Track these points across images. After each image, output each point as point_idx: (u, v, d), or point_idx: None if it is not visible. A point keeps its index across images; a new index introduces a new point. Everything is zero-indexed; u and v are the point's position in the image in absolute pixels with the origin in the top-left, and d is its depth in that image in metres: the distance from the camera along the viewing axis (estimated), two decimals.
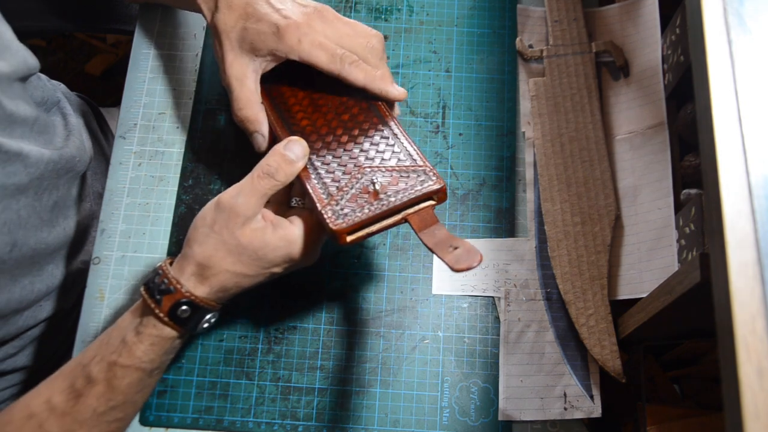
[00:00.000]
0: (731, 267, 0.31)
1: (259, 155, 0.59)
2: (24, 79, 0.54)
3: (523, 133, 0.61)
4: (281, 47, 0.48)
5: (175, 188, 0.60)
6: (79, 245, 0.63)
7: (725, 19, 0.36)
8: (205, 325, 0.47)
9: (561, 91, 0.60)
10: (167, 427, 0.53)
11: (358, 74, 0.48)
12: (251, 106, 0.49)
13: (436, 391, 0.54)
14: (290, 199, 0.49)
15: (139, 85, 0.63)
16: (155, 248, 0.58)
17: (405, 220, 0.44)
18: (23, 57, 0.53)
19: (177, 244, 0.58)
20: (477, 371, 0.55)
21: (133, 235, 0.58)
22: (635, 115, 0.59)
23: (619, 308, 0.54)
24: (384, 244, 0.58)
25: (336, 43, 0.48)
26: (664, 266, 0.52)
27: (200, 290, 0.44)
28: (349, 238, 0.43)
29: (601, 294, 0.54)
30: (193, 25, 0.65)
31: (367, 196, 0.44)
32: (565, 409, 0.53)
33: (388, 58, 0.63)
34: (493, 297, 0.56)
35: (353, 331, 0.56)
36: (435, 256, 0.58)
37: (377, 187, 0.44)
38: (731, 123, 0.34)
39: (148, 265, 0.57)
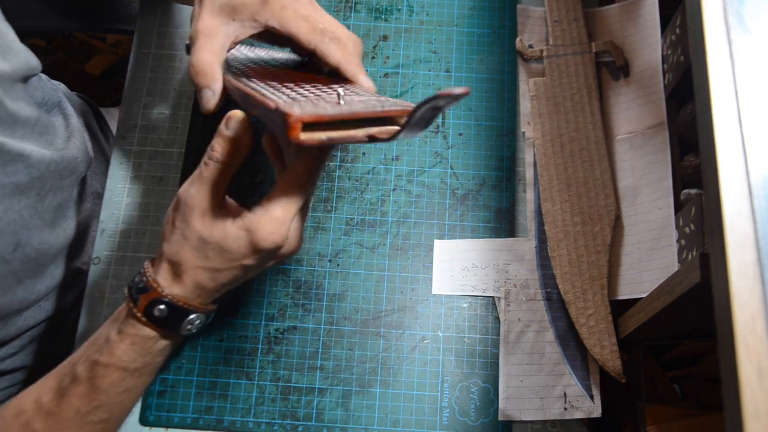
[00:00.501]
0: (731, 267, 0.31)
1: (257, 154, 0.59)
2: (25, 79, 0.54)
3: (523, 133, 0.61)
4: (263, 12, 0.45)
5: (175, 188, 0.60)
6: (79, 245, 0.63)
7: (725, 19, 0.36)
8: (189, 327, 0.45)
9: (561, 91, 0.60)
10: (167, 427, 0.53)
11: (336, 51, 0.46)
12: (211, 61, 0.46)
13: (436, 391, 0.54)
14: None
15: (139, 85, 0.63)
16: (155, 248, 0.58)
17: (368, 138, 0.39)
18: (25, 57, 0.52)
19: None
20: (477, 371, 0.55)
21: (133, 235, 0.58)
22: (635, 115, 0.59)
23: (619, 308, 0.54)
24: (384, 244, 0.58)
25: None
26: (664, 266, 0.52)
27: (176, 289, 0.43)
28: (303, 136, 0.36)
29: (601, 294, 0.54)
30: None
31: (330, 100, 0.39)
32: (565, 409, 0.53)
33: (387, 58, 0.63)
34: (493, 297, 0.56)
35: (353, 331, 0.56)
36: (434, 256, 0.58)
37: (341, 93, 0.40)
38: (731, 123, 0.34)
39: None
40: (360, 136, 0.39)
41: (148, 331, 0.44)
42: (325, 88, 0.43)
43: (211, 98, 0.46)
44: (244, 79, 0.45)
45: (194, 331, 0.45)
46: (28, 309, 0.57)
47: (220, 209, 0.43)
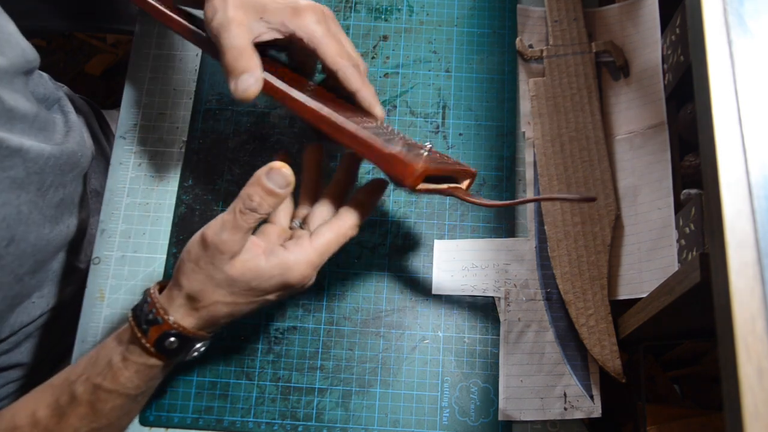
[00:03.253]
0: (731, 267, 0.31)
1: (257, 154, 0.59)
2: (25, 74, 0.54)
3: (523, 133, 0.61)
4: (295, 21, 0.44)
5: (175, 188, 0.60)
6: (77, 243, 0.63)
7: (725, 19, 0.36)
8: (195, 353, 0.45)
9: (561, 91, 0.60)
10: (167, 427, 0.53)
11: (357, 78, 0.46)
12: (248, 47, 0.43)
13: (436, 391, 0.54)
14: (292, 220, 0.47)
15: (139, 85, 0.63)
16: (155, 248, 0.58)
17: (449, 191, 0.43)
18: (21, 50, 0.52)
19: (177, 244, 0.58)
20: (477, 371, 0.55)
21: (133, 235, 0.58)
22: (635, 115, 0.59)
23: (619, 308, 0.54)
24: (384, 244, 0.58)
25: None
26: (664, 266, 0.52)
27: (188, 321, 0.43)
28: (421, 185, 0.40)
29: (601, 294, 0.54)
30: None
31: (423, 151, 0.41)
32: (565, 409, 0.53)
33: (387, 58, 0.63)
34: (493, 297, 0.56)
35: (353, 331, 0.56)
36: (434, 256, 0.58)
37: (429, 146, 0.42)
38: (731, 123, 0.34)
39: (148, 265, 0.57)
40: (445, 189, 0.43)
41: (155, 361, 0.43)
42: (404, 138, 0.45)
43: (252, 84, 0.43)
44: (296, 91, 0.44)
45: (197, 355, 0.45)
46: (21, 304, 0.57)
47: (248, 249, 0.42)
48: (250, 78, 0.43)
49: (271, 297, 0.44)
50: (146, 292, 0.44)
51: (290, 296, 0.46)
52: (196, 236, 0.42)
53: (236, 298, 0.43)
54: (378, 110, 0.47)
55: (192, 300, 0.42)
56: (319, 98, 0.44)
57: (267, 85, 0.44)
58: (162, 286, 0.45)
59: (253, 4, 0.44)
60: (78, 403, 0.43)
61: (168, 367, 0.45)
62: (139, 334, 0.42)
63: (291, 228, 0.47)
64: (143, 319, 0.42)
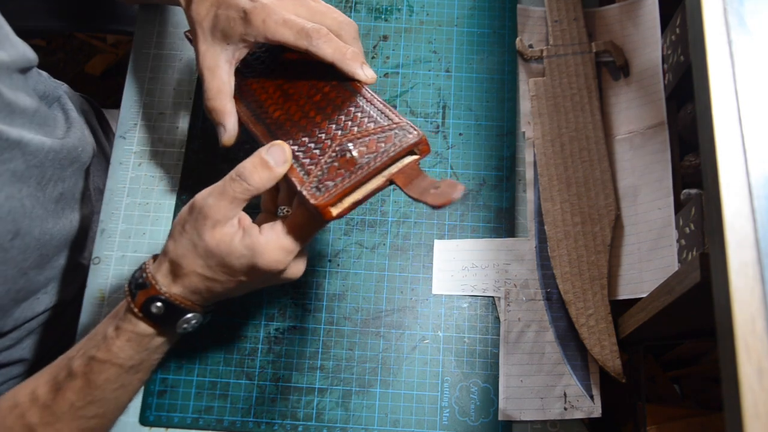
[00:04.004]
0: (731, 267, 0.31)
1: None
2: (24, 71, 0.54)
3: (523, 133, 0.61)
4: (249, 30, 0.46)
5: (175, 188, 0.60)
6: (80, 240, 0.63)
7: (725, 19, 0.36)
8: (185, 326, 0.45)
9: (561, 91, 0.60)
10: (167, 427, 0.53)
11: (327, 48, 0.45)
12: (221, 97, 0.48)
13: (436, 391, 0.54)
14: (277, 207, 0.47)
15: (139, 85, 0.63)
16: (155, 248, 0.58)
17: (390, 180, 0.42)
18: (22, 49, 0.53)
19: None
20: (477, 371, 0.55)
21: (133, 235, 0.58)
22: (635, 115, 0.59)
23: (619, 308, 0.54)
24: (384, 244, 0.58)
25: (308, 19, 0.47)
26: (664, 266, 0.52)
27: (175, 288, 0.43)
28: (335, 211, 0.40)
29: (601, 294, 0.54)
30: None
31: (345, 164, 0.42)
32: (565, 409, 0.53)
33: (387, 58, 0.63)
34: (493, 297, 0.56)
35: (353, 331, 0.56)
36: (434, 256, 0.58)
37: (354, 153, 0.42)
38: (731, 123, 0.34)
39: None
40: (382, 183, 0.42)
41: (145, 328, 0.44)
42: (335, 146, 0.44)
43: (223, 134, 0.48)
44: (260, 124, 0.47)
45: (190, 330, 0.45)
46: (27, 300, 0.58)
47: (232, 224, 0.42)
48: (220, 129, 0.48)
49: (243, 278, 0.44)
50: (143, 262, 0.45)
51: (270, 282, 0.46)
52: (187, 204, 0.43)
53: (211, 272, 0.43)
54: (360, 74, 0.46)
55: (174, 265, 0.43)
56: (286, 120, 0.47)
57: (241, 121, 0.49)
58: (157, 256, 0.46)
59: (215, 32, 0.47)
60: (74, 376, 0.43)
61: (162, 338, 0.45)
62: (129, 299, 0.43)
63: (277, 215, 0.47)
64: (134, 284, 0.44)
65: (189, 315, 0.44)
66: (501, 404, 0.53)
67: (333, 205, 0.40)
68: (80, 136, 0.60)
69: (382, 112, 0.44)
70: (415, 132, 0.42)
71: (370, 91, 0.46)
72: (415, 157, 0.42)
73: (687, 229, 0.49)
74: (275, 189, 0.47)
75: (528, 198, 0.59)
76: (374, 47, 0.64)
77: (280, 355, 0.55)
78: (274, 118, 0.48)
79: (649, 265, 0.53)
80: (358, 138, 0.43)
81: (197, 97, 0.62)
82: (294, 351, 0.55)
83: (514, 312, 0.56)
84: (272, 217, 0.47)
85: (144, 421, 0.54)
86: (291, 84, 0.49)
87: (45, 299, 0.60)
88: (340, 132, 0.44)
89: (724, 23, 0.36)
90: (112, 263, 0.58)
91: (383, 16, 0.65)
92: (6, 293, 0.53)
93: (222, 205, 0.41)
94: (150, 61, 0.63)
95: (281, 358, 0.55)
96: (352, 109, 0.46)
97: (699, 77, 0.36)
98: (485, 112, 0.62)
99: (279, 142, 0.43)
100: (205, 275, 0.43)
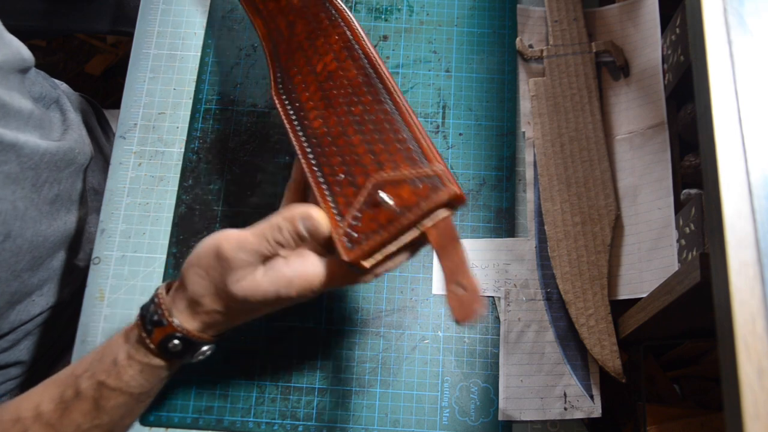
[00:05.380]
0: (731, 267, 0.31)
1: (257, 154, 0.59)
2: (20, 72, 0.54)
3: (523, 133, 0.61)
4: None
5: (175, 188, 0.60)
6: (75, 241, 0.63)
7: (725, 19, 0.36)
8: (200, 357, 0.45)
9: (561, 91, 0.60)
10: (167, 427, 0.53)
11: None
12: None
13: (436, 391, 0.54)
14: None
15: (139, 85, 0.63)
16: (155, 248, 0.58)
17: (423, 233, 0.41)
18: (16, 48, 0.53)
19: (177, 244, 0.58)
20: (477, 371, 0.55)
21: (133, 235, 0.58)
22: (635, 115, 0.59)
23: (619, 308, 0.54)
24: None
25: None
26: (664, 266, 0.52)
27: (192, 324, 0.42)
28: (367, 264, 0.40)
29: (601, 294, 0.54)
30: (193, 24, 0.65)
31: (378, 215, 0.41)
32: (565, 409, 0.53)
33: (387, 58, 0.63)
34: (493, 297, 0.56)
35: (353, 331, 0.56)
36: (435, 256, 0.58)
37: (389, 203, 0.41)
38: (731, 123, 0.34)
39: (148, 265, 0.57)
40: (416, 236, 0.41)
41: (159, 361, 0.43)
42: (369, 187, 0.43)
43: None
44: (300, 135, 0.47)
45: (204, 358, 0.45)
46: (21, 302, 0.57)
47: (258, 268, 0.41)
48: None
49: (265, 310, 0.44)
50: (155, 292, 0.44)
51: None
52: (210, 244, 0.41)
53: (235, 312, 0.43)
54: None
55: (194, 304, 0.42)
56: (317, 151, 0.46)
57: (281, 115, 0.48)
58: (170, 285, 0.45)
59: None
60: (82, 398, 0.43)
61: (173, 368, 0.45)
62: (143, 335, 0.42)
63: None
64: (149, 319, 0.42)
65: (205, 348, 0.44)
66: (501, 404, 0.53)
67: (365, 258, 0.40)
68: (77, 138, 0.60)
69: (420, 145, 0.43)
70: (447, 186, 0.40)
71: (407, 106, 0.45)
72: (447, 213, 0.41)
73: (687, 229, 0.49)
74: (302, 193, 0.47)
75: (528, 198, 0.59)
76: (374, 47, 0.64)
77: (280, 355, 0.55)
78: (314, 129, 0.46)
79: (649, 265, 0.53)
80: (393, 182, 0.42)
81: (197, 97, 0.62)
82: (294, 351, 0.55)
83: (514, 312, 0.56)
84: (299, 195, 0.46)
85: (144, 421, 0.54)
86: (332, 82, 0.48)
87: (40, 301, 0.60)
88: (377, 165, 0.43)
89: (724, 23, 0.36)
90: (112, 263, 0.58)
91: (383, 16, 0.65)
92: (0, 295, 0.53)
93: (253, 260, 0.40)
94: (150, 61, 0.63)
95: (281, 358, 0.55)
96: (391, 135, 0.44)
97: (699, 77, 0.36)
98: (485, 112, 0.62)
99: (315, 213, 0.41)
100: (227, 314, 0.42)
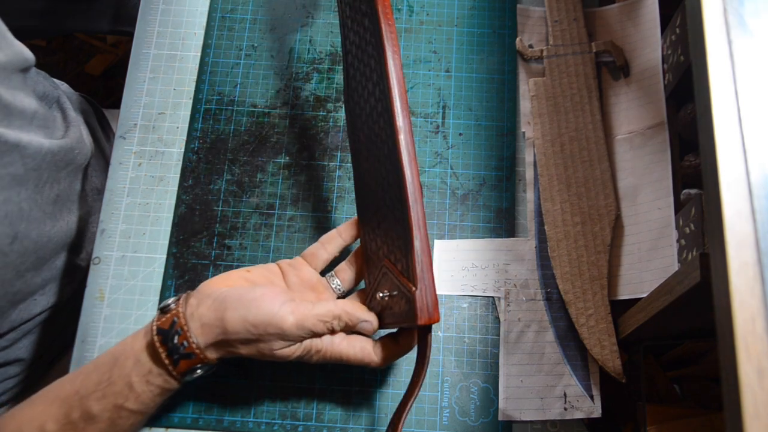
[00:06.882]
0: (731, 267, 0.31)
1: (257, 154, 0.59)
2: (22, 71, 0.54)
3: (523, 133, 0.61)
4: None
5: (175, 188, 0.60)
6: (77, 241, 0.63)
7: (725, 19, 0.36)
8: (210, 373, 0.48)
9: (561, 91, 0.60)
10: (167, 427, 0.53)
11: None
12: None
13: (436, 391, 0.54)
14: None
15: (139, 85, 0.63)
16: (155, 248, 0.58)
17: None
18: (19, 48, 0.53)
19: (177, 244, 0.58)
20: (477, 371, 0.55)
21: (133, 235, 0.58)
22: (635, 115, 0.59)
23: (619, 308, 0.54)
24: None
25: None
26: (664, 266, 0.52)
27: (215, 355, 0.46)
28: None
29: (601, 294, 0.54)
30: (193, 24, 0.65)
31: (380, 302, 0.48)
32: (565, 409, 0.53)
33: None
34: (493, 297, 0.56)
35: None
36: (434, 256, 0.58)
37: (384, 299, 0.47)
38: (731, 123, 0.34)
39: (148, 265, 0.57)
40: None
41: (176, 384, 0.46)
42: (378, 295, 0.49)
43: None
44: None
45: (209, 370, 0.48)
46: (24, 302, 0.57)
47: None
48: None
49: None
50: (171, 315, 0.46)
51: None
52: (270, 312, 0.44)
53: (259, 353, 0.47)
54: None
55: (227, 344, 0.46)
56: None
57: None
58: (184, 297, 0.47)
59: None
60: (96, 420, 0.44)
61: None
62: (168, 364, 0.45)
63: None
64: (174, 351, 0.45)
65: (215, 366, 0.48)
66: (501, 404, 0.53)
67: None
68: (77, 137, 0.60)
69: (421, 259, 0.44)
70: (421, 316, 0.43)
71: (419, 213, 0.45)
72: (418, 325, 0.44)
73: (687, 229, 0.49)
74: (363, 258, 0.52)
75: (528, 198, 0.59)
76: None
77: None
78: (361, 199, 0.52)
79: (649, 265, 0.53)
80: (390, 292, 0.47)
81: (197, 97, 0.62)
82: None
83: (514, 312, 0.56)
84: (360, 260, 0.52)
85: None
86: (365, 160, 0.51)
87: (42, 300, 0.60)
88: (389, 277, 0.47)
89: (724, 23, 0.36)
90: (112, 263, 0.57)
91: None
92: (3, 296, 0.53)
93: (299, 334, 0.45)
94: (150, 61, 0.63)
95: None
96: (401, 249, 0.46)
97: (699, 77, 0.36)
98: (485, 112, 0.62)
99: (376, 322, 0.48)
100: (250, 354, 0.47)
